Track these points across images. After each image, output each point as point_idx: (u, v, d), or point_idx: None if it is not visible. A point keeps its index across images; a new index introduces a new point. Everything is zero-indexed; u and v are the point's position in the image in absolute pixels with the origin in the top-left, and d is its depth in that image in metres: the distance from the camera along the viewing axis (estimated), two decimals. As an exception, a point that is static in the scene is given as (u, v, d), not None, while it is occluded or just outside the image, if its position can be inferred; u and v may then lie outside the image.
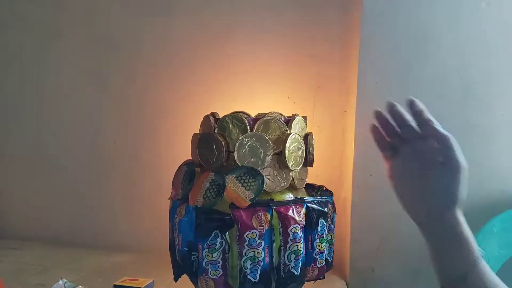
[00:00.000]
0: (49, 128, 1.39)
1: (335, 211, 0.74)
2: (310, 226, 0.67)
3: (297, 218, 0.66)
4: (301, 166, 0.72)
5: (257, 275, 0.64)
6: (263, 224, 0.63)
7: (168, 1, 1.27)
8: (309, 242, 0.67)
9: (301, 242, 0.66)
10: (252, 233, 0.63)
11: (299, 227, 0.66)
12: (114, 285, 0.88)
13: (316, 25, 1.17)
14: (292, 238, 0.65)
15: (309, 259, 0.68)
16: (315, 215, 0.67)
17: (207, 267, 0.64)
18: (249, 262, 0.64)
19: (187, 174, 0.70)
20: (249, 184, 0.65)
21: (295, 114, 0.74)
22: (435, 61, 1.00)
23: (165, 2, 1.27)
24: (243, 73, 1.22)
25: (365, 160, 1.05)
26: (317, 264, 0.68)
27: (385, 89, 1.03)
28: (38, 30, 1.37)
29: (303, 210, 0.67)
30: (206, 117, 0.73)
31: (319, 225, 0.67)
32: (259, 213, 0.63)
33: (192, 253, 0.66)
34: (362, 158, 1.05)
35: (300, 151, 0.71)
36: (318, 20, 1.17)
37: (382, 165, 1.04)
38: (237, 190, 0.64)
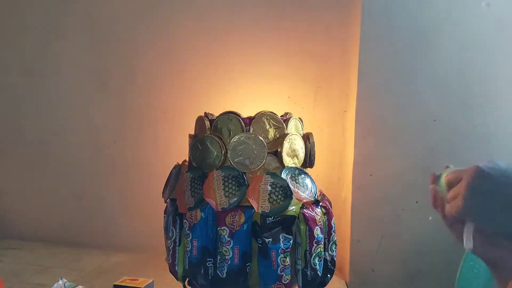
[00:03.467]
0: (49, 128, 1.39)
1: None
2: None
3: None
4: (299, 165, 0.71)
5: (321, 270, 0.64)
6: None
7: (168, 1, 1.27)
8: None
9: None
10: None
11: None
12: (114, 285, 0.88)
13: (316, 25, 1.17)
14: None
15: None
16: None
17: (282, 273, 0.63)
18: (317, 259, 0.64)
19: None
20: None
21: (288, 112, 0.74)
22: (435, 61, 1.00)
23: (164, 2, 1.27)
24: (243, 73, 1.22)
25: (365, 160, 1.05)
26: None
27: (385, 89, 1.02)
28: (38, 30, 1.37)
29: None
30: (200, 118, 0.72)
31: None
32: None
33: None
34: (362, 158, 1.05)
35: (300, 152, 0.71)
36: (318, 20, 1.17)
37: (382, 165, 1.05)
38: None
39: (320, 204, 0.69)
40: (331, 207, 0.72)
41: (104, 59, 1.33)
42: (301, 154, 0.71)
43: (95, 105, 1.35)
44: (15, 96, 1.42)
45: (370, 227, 1.05)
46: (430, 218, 1.04)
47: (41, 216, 1.42)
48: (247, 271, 0.63)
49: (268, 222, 0.62)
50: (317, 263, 0.65)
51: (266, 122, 0.68)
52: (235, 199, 0.63)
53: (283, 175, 0.65)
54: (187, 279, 0.68)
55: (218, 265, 0.63)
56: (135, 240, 1.32)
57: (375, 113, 1.04)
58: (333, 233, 0.70)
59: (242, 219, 0.62)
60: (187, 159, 0.75)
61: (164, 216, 0.74)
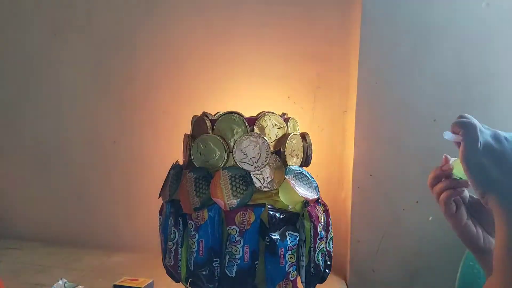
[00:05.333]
0: (49, 128, 1.39)
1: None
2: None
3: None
4: (299, 165, 0.72)
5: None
6: None
7: (168, 1, 1.27)
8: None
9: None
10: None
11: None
12: (114, 285, 0.88)
13: (316, 25, 1.17)
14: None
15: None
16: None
17: (289, 270, 0.63)
18: (320, 254, 0.64)
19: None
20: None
21: (285, 113, 0.75)
22: (435, 61, 1.00)
23: (165, 2, 1.27)
24: (243, 73, 1.22)
25: (365, 160, 1.05)
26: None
27: (385, 89, 1.03)
28: (38, 30, 1.37)
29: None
30: (199, 118, 0.72)
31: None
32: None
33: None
34: (362, 158, 1.05)
35: (300, 151, 0.71)
36: (318, 20, 1.17)
37: (382, 165, 1.05)
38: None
39: (320, 201, 0.70)
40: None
41: (104, 59, 1.33)
42: (301, 153, 0.72)
43: (95, 105, 1.35)
44: (15, 95, 1.42)
45: (370, 227, 1.06)
46: (430, 218, 1.05)
47: (41, 216, 1.42)
48: (255, 269, 0.63)
49: (275, 220, 0.62)
50: (320, 259, 0.66)
51: (269, 122, 0.68)
52: (243, 198, 0.63)
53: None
54: (190, 280, 0.68)
55: (227, 265, 0.63)
56: (135, 240, 1.32)
57: (375, 113, 1.04)
58: (330, 230, 0.71)
59: (252, 218, 0.62)
60: (181, 159, 0.75)
61: (160, 218, 0.74)
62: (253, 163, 0.65)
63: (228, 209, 0.63)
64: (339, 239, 1.13)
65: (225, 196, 0.63)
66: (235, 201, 0.63)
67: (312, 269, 0.65)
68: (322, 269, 0.67)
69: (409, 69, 1.01)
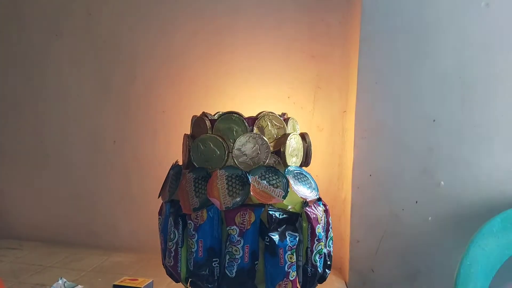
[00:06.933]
0: (49, 127, 1.39)
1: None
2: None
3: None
4: (299, 165, 0.72)
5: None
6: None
7: (168, 1, 1.27)
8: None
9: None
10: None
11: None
12: (114, 285, 0.88)
13: (316, 25, 1.17)
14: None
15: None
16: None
17: (289, 270, 0.63)
18: (317, 256, 0.65)
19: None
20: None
21: (284, 113, 0.75)
22: (435, 61, 1.00)
23: (165, 2, 1.27)
24: (243, 73, 1.22)
25: (365, 160, 1.05)
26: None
27: (385, 89, 1.03)
28: (38, 30, 1.37)
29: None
30: (199, 118, 0.72)
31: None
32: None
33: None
34: (362, 158, 1.05)
35: (299, 151, 0.71)
36: (318, 20, 1.17)
37: (382, 165, 1.05)
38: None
39: (321, 202, 0.70)
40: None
41: (104, 59, 1.33)
42: (301, 153, 0.72)
43: (95, 105, 1.35)
44: (15, 96, 1.42)
45: (370, 227, 1.06)
46: (430, 218, 1.05)
47: (41, 216, 1.42)
48: (255, 269, 0.64)
49: (275, 220, 0.62)
50: (318, 260, 0.66)
51: (268, 123, 0.69)
52: (239, 198, 0.64)
53: (286, 175, 0.65)
54: (190, 280, 0.68)
55: (227, 265, 0.63)
56: (135, 240, 1.32)
57: (375, 113, 1.04)
58: (330, 230, 0.71)
59: (252, 218, 0.63)
60: (180, 159, 0.75)
61: (159, 218, 0.74)
62: (252, 163, 0.66)
63: (224, 209, 0.63)
64: (339, 239, 1.13)
65: (221, 196, 0.63)
66: (230, 200, 0.63)
67: (309, 269, 0.65)
68: (319, 270, 0.67)
69: (409, 69, 1.01)
